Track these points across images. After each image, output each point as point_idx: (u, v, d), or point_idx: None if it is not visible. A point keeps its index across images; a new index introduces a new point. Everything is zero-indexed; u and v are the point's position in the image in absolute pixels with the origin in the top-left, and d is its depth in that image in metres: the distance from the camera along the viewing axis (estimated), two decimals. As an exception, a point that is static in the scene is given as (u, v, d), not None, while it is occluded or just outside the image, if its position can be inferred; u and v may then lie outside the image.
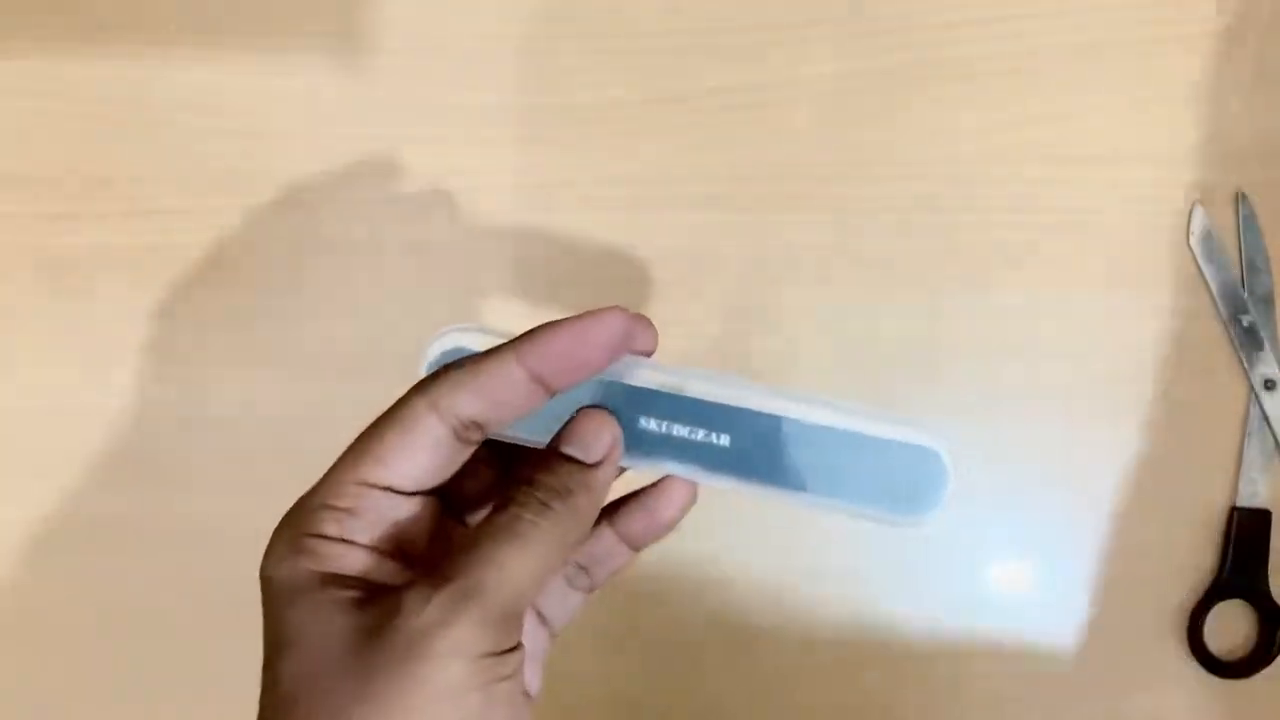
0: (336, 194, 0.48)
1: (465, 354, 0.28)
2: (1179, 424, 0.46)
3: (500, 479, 0.31)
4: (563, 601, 0.32)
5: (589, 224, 0.47)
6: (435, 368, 0.28)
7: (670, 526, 0.31)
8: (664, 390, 0.30)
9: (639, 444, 0.30)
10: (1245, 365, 0.45)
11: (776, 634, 0.46)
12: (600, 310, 0.28)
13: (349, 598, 0.25)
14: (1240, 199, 0.46)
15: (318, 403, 0.47)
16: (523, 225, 0.48)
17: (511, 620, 0.25)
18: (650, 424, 0.30)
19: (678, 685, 0.46)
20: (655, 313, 0.47)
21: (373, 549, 0.27)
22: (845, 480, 0.30)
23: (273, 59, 0.49)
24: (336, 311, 0.48)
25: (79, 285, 0.48)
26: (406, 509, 0.27)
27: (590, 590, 0.32)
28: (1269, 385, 0.45)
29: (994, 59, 0.47)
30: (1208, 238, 0.46)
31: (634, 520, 0.31)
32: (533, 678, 0.31)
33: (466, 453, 0.28)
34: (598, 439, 0.28)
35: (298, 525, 0.26)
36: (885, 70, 0.47)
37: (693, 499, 0.31)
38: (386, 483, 0.27)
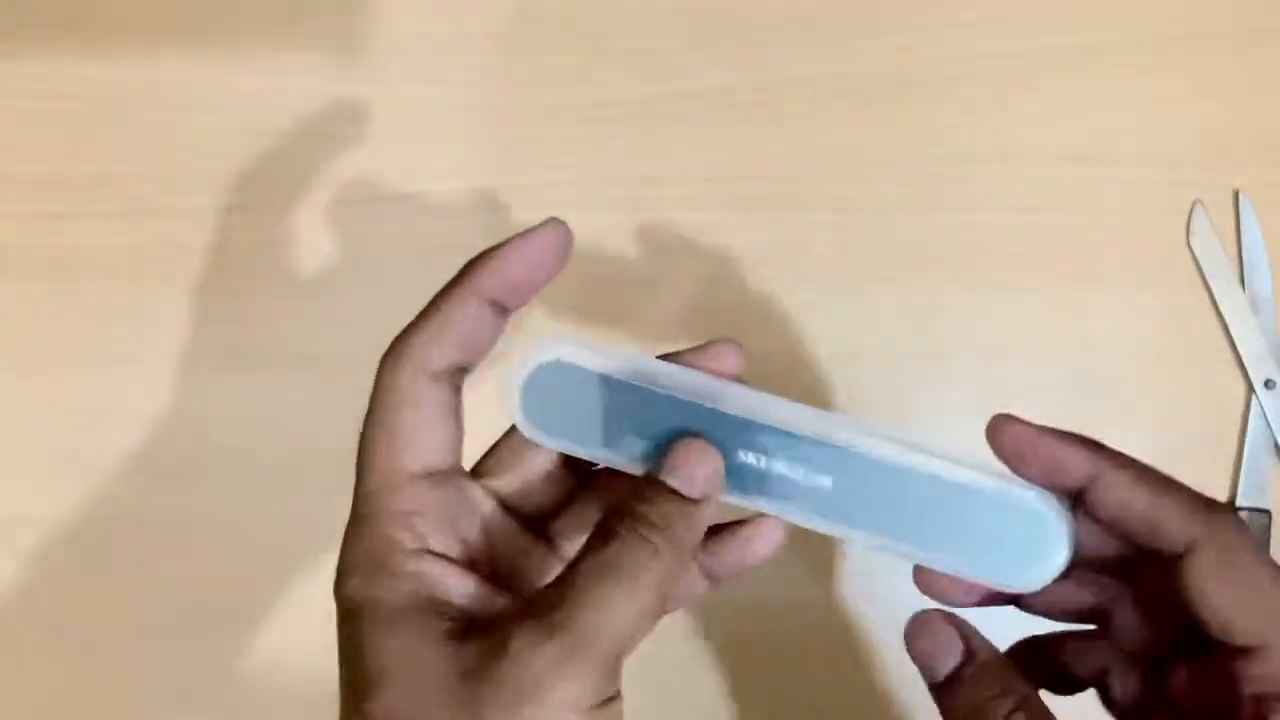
0: (336, 194, 0.48)
1: (565, 367, 0.28)
2: (1179, 424, 0.46)
3: (578, 488, 0.30)
4: None
5: (589, 224, 0.47)
6: (529, 386, 0.28)
7: (759, 563, 0.30)
8: (765, 424, 0.28)
9: (735, 477, 0.28)
10: (1245, 365, 0.45)
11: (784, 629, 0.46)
12: (538, 225, 0.28)
13: (449, 629, 0.25)
14: (1240, 199, 0.46)
15: (318, 403, 0.47)
16: (523, 225, 0.47)
17: (617, 671, 0.24)
18: (749, 458, 0.28)
19: (679, 685, 0.46)
20: (655, 312, 0.47)
21: (453, 562, 0.26)
22: (953, 536, 0.27)
23: (273, 59, 0.49)
24: (337, 312, 0.48)
25: (79, 285, 0.48)
26: (456, 500, 0.27)
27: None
28: (1269, 385, 0.45)
29: (994, 59, 0.47)
30: (1208, 238, 0.46)
31: (724, 554, 0.29)
32: None
33: (461, 401, 0.28)
34: (701, 471, 0.26)
35: (371, 542, 0.26)
36: (885, 70, 0.47)
37: (785, 536, 0.29)
38: (424, 466, 0.27)
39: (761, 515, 0.29)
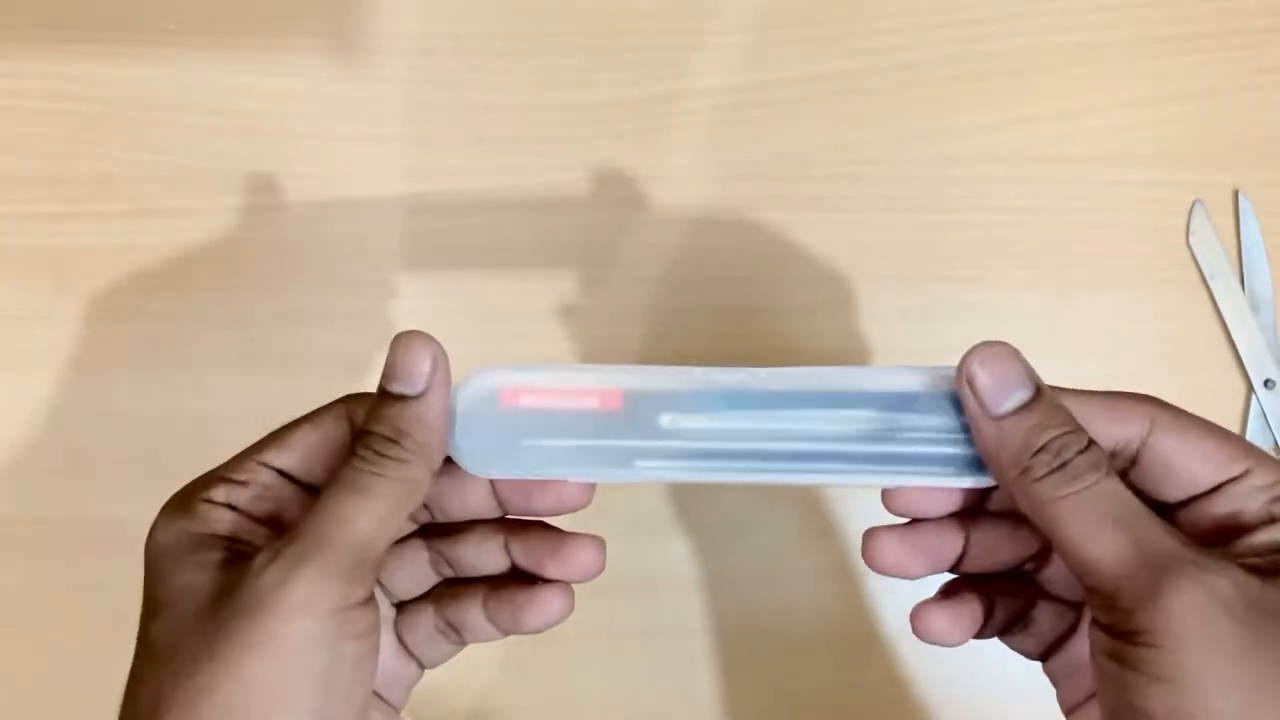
0: (336, 194, 0.48)
1: (495, 391, 0.28)
2: (1179, 424, 0.46)
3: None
4: (433, 646, 0.31)
5: (588, 223, 0.47)
6: (468, 405, 0.28)
7: (544, 628, 0.30)
8: (678, 388, 0.28)
9: (661, 448, 0.28)
10: (1245, 365, 0.45)
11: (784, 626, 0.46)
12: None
13: (215, 559, 0.26)
14: (1240, 199, 0.46)
15: (317, 403, 0.47)
16: (523, 225, 0.48)
17: (358, 573, 0.25)
18: (666, 420, 0.28)
19: (678, 683, 0.46)
20: (654, 312, 0.47)
21: (247, 515, 0.27)
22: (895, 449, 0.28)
23: (273, 59, 0.49)
24: (337, 312, 0.48)
25: (79, 285, 0.48)
26: (293, 494, 0.28)
27: (463, 645, 0.31)
28: (1269, 385, 0.45)
29: (994, 59, 0.47)
30: (1208, 238, 0.46)
31: (501, 611, 0.30)
32: (396, 690, 0.31)
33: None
34: (418, 367, 0.27)
35: (187, 492, 0.28)
36: (884, 70, 0.47)
37: (565, 613, 0.30)
38: (281, 464, 0.28)
39: (539, 586, 0.29)
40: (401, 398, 0.27)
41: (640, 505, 0.46)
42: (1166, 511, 0.27)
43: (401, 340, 0.27)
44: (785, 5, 0.48)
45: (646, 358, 0.46)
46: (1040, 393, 0.27)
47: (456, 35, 0.48)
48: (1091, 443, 0.26)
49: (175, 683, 0.24)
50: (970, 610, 0.29)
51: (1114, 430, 0.27)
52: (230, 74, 0.48)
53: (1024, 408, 0.26)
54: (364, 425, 0.27)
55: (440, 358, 0.27)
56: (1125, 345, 0.46)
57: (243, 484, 0.27)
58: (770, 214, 0.47)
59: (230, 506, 0.27)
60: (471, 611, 0.30)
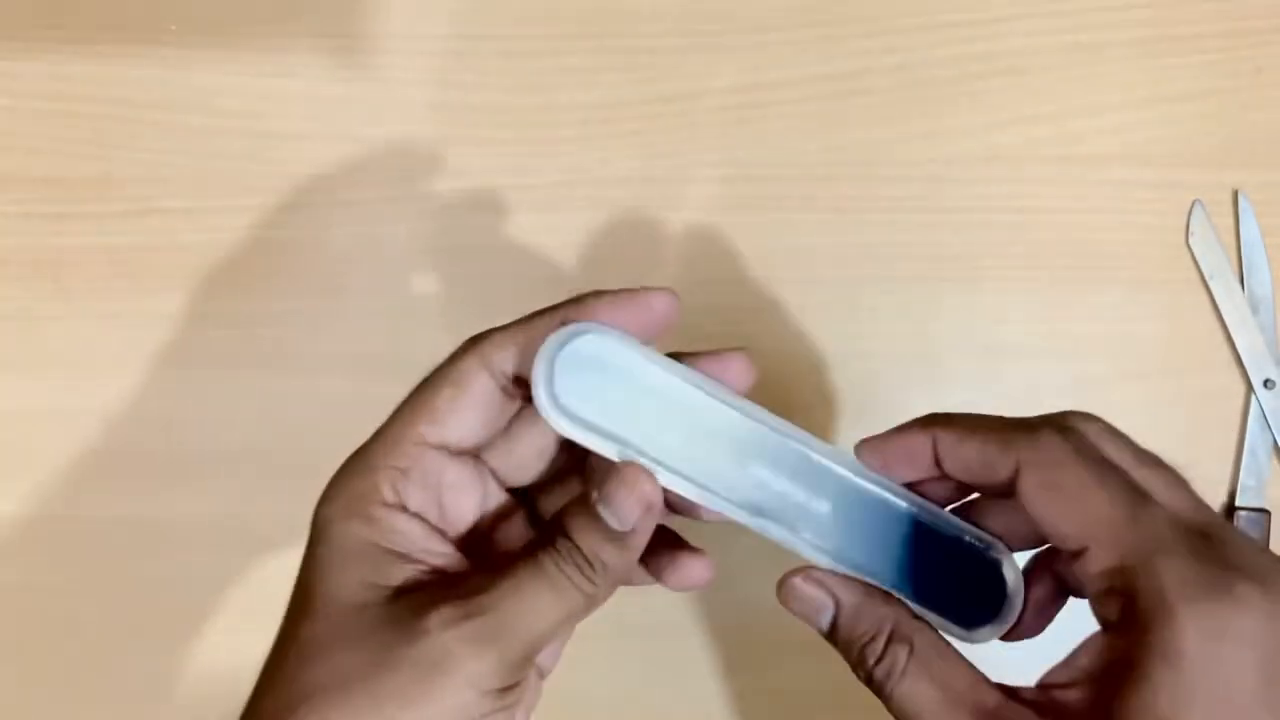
0: (336, 194, 0.48)
1: (587, 357, 0.28)
2: (1179, 424, 0.46)
3: (570, 467, 0.31)
4: (554, 652, 0.32)
5: (589, 223, 0.47)
6: (550, 366, 0.27)
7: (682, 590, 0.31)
8: (784, 435, 0.28)
9: (740, 490, 0.28)
10: (1245, 365, 0.45)
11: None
12: (650, 288, 0.29)
13: (390, 584, 0.26)
14: (1239, 199, 0.46)
15: (318, 403, 0.47)
16: (523, 225, 0.48)
17: (527, 662, 0.26)
18: (761, 472, 0.28)
19: (679, 681, 0.46)
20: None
21: (427, 524, 0.28)
22: (929, 580, 0.29)
23: (273, 59, 0.49)
24: (337, 312, 0.48)
25: (79, 285, 0.48)
26: (455, 474, 0.28)
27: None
28: (1269, 385, 0.45)
29: (994, 59, 0.47)
30: (1207, 238, 0.46)
31: (660, 568, 0.31)
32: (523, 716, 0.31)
33: (511, 409, 0.29)
34: (630, 504, 0.27)
35: (357, 485, 0.28)
36: (884, 70, 0.47)
37: (706, 580, 0.30)
38: (440, 440, 0.28)
39: (683, 551, 0.30)
40: (609, 530, 0.27)
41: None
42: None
43: (627, 476, 0.27)
44: (786, 6, 0.48)
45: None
46: (839, 607, 0.28)
47: (456, 35, 0.48)
48: (889, 642, 0.27)
49: (327, 697, 0.25)
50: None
51: (988, 477, 0.27)
52: (230, 74, 0.48)
53: (835, 622, 0.29)
54: (568, 528, 0.27)
55: (656, 503, 0.27)
56: (1125, 345, 0.46)
57: (404, 471, 0.28)
58: (770, 214, 0.47)
59: (403, 509, 0.27)
60: None
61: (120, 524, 0.47)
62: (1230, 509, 0.45)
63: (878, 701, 0.28)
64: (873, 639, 0.28)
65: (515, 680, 0.26)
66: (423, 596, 0.26)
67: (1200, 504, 0.26)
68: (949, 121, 0.47)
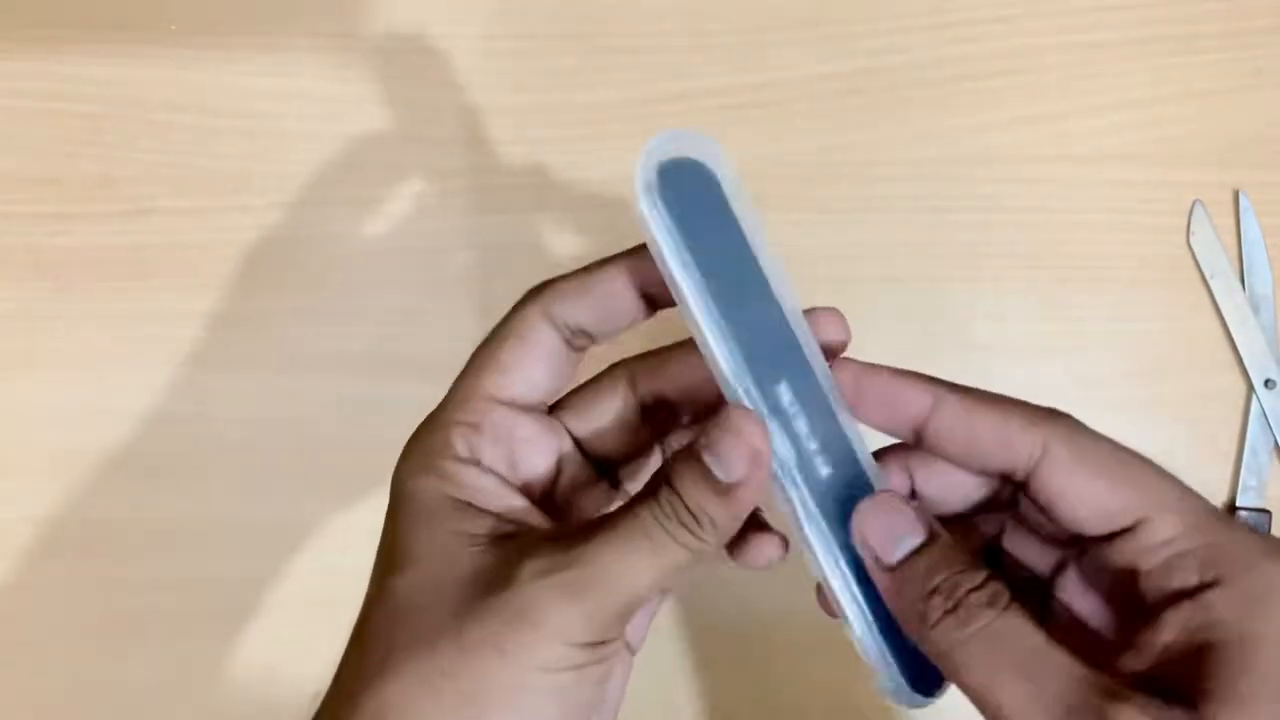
0: (337, 194, 0.48)
1: (688, 163, 0.27)
2: (1179, 424, 0.46)
3: (651, 439, 0.31)
4: (643, 625, 0.31)
5: (589, 223, 0.47)
6: (653, 175, 0.26)
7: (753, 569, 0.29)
8: (820, 380, 0.27)
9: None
10: (1246, 365, 0.45)
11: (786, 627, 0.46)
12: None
13: (474, 534, 0.26)
14: (1240, 199, 0.46)
15: (318, 403, 0.47)
16: (523, 225, 0.48)
17: (621, 620, 0.25)
18: (786, 401, 0.26)
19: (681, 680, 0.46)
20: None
21: (502, 479, 0.27)
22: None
23: (273, 59, 0.49)
24: (337, 312, 0.47)
25: (79, 285, 0.48)
26: (527, 429, 0.28)
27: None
28: (1269, 385, 0.45)
29: (994, 59, 0.47)
30: (1208, 237, 0.46)
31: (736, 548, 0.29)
32: (615, 689, 0.29)
33: (576, 361, 0.29)
34: (735, 456, 0.25)
35: (430, 441, 0.27)
36: (884, 70, 0.47)
37: (779, 558, 0.29)
38: (509, 395, 0.28)
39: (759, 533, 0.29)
40: (716, 482, 0.25)
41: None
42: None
43: (735, 422, 0.25)
44: (785, 6, 0.48)
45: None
46: (933, 535, 0.26)
47: (456, 35, 0.48)
48: (989, 577, 0.24)
49: (416, 650, 0.24)
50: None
51: (1000, 456, 0.26)
52: (230, 74, 0.48)
53: (916, 553, 0.25)
54: (672, 477, 0.25)
55: (765, 454, 0.25)
56: (1125, 345, 0.46)
57: (475, 426, 0.27)
58: (770, 214, 0.47)
59: (476, 463, 0.27)
60: None
61: (121, 524, 0.47)
62: (1231, 509, 0.45)
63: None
64: (966, 570, 0.25)
65: (605, 639, 0.25)
66: (511, 547, 0.25)
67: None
68: (949, 121, 0.47)
